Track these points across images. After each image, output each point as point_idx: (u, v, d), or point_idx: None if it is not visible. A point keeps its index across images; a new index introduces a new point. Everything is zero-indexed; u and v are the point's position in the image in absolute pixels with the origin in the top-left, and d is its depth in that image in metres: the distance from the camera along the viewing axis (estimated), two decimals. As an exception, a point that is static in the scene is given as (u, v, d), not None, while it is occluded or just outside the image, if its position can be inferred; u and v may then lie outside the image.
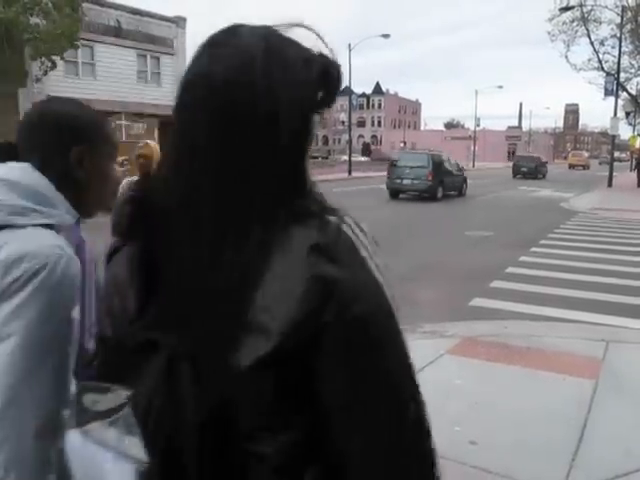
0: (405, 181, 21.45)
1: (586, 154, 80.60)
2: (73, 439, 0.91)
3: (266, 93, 0.83)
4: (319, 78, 0.86)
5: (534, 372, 4.77)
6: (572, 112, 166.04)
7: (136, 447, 0.86)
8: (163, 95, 26.23)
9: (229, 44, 0.88)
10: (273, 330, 0.80)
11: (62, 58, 20.19)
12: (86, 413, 0.92)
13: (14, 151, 1.26)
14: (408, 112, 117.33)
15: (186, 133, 0.91)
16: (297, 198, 0.90)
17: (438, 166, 21.55)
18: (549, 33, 30.96)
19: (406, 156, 23.23)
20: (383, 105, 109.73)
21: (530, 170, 38.97)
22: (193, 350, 0.84)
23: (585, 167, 62.85)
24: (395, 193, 22.10)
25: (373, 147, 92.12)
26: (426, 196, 21.12)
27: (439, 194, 21.45)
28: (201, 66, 0.90)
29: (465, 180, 24.18)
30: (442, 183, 21.63)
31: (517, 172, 40.04)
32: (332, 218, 0.89)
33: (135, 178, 5.00)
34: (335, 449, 0.86)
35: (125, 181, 5.05)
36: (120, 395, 0.88)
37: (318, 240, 0.83)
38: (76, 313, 1.05)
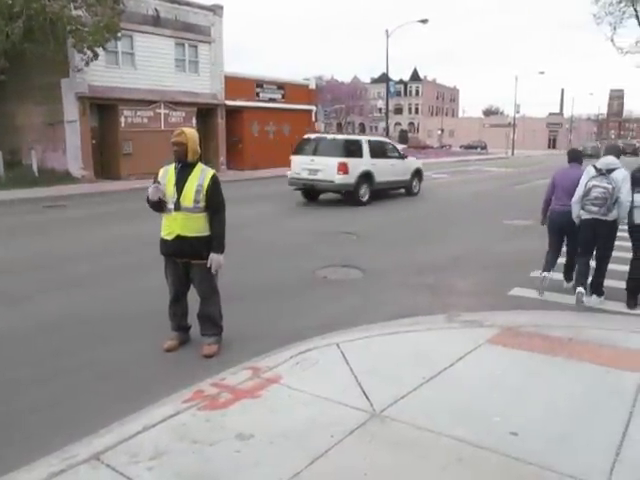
0: None
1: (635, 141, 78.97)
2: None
3: None
4: None
5: (576, 364, 4.67)
6: (617, 98, 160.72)
7: None
8: (201, 83, 26.39)
9: None
10: None
11: (104, 49, 20.47)
12: None
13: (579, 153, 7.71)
14: (446, 99, 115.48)
15: None
16: None
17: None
18: (594, 15, 29.96)
19: None
20: (420, 92, 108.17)
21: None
22: None
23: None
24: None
25: (410, 135, 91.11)
26: None
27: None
28: None
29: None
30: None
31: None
32: None
33: (172, 165, 5.06)
34: None
35: (162, 169, 5.11)
36: None
37: None
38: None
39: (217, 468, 3.22)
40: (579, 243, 6.90)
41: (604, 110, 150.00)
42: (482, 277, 8.10)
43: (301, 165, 16.32)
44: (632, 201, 6.43)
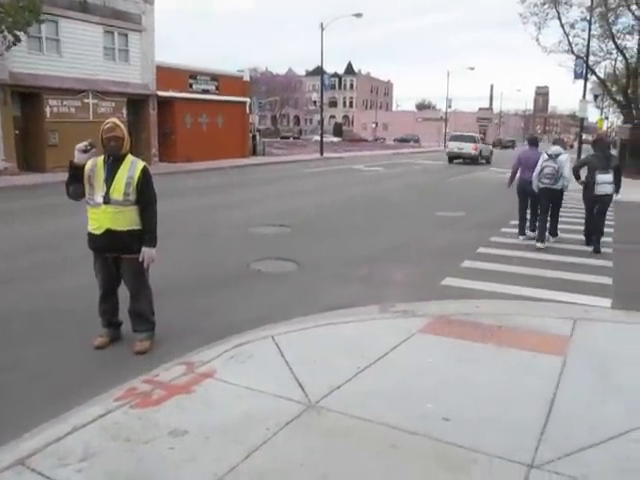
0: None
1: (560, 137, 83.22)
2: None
3: None
4: None
5: (505, 350, 4.85)
6: (542, 95, 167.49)
7: None
8: (132, 73, 25.63)
9: None
10: None
11: (26, 33, 19.50)
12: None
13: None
14: (380, 93, 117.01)
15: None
16: None
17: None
18: (521, 15, 31.06)
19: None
20: (355, 85, 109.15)
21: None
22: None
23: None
24: None
25: (345, 128, 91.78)
26: None
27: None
28: None
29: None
30: None
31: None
32: None
33: (100, 157, 4.88)
34: None
35: (90, 160, 4.91)
36: None
37: None
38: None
39: (151, 466, 3.15)
40: (540, 207, 10.03)
41: (531, 106, 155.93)
42: (415, 268, 8.27)
43: (454, 146, 35.91)
44: (595, 178, 9.51)
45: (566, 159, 9.64)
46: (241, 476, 3.05)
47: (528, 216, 10.68)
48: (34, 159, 22.01)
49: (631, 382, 4.24)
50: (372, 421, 3.60)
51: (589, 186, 9.64)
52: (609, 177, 9.50)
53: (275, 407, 3.77)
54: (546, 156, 9.73)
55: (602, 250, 9.42)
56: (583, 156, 11.69)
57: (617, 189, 9.73)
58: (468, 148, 34.84)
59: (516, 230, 11.00)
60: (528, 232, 10.59)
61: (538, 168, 9.68)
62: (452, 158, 35.77)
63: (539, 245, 9.62)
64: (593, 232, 9.73)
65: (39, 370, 4.61)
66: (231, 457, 3.20)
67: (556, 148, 9.81)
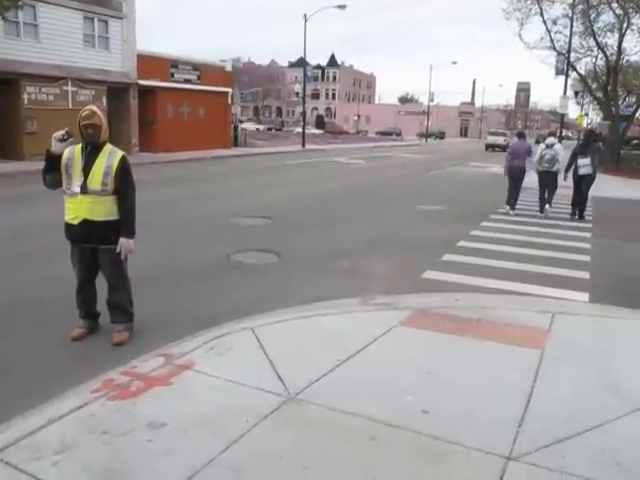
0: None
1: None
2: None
3: None
4: None
5: (484, 343, 4.87)
6: (523, 90, 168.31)
7: None
8: (112, 61, 25.26)
9: None
10: None
11: (4, 18, 19.10)
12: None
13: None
14: (363, 85, 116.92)
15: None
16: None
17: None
18: (504, 10, 31.07)
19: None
20: (338, 78, 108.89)
21: None
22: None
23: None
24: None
25: (327, 120, 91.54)
26: None
27: None
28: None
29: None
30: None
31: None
32: None
33: (78, 146, 4.78)
34: None
35: (68, 149, 4.81)
36: None
37: None
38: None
39: (128, 459, 3.11)
40: (540, 186, 12.84)
41: (512, 101, 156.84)
42: (396, 260, 8.29)
43: (492, 139, 51.38)
44: (576, 163, 12.50)
45: (560, 148, 12.59)
46: (220, 468, 3.03)
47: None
48: (11, 147, 21.62)
49: (607, 375, 4.30)
50: (352, 414, 3.59)
51: (575, 168, 12.59)
52: (587, 161, 12.39)
53: (254, 399, 3.75)
54: (544, 146, 12.56)
55: (580, 245, 9.58)
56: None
57: (593, 168, 12.47)
58: (500, 140, 49.36)
59: (497, 224, 11.12)
60: (515, 208, 13.11)
61: (537, 156, 12.56)
62: (489, 147, 49.66)
63: (544, 214, 12.57)
64: (579, 205, 12.59)
65: (14, 362, 4.53)
66: (210, 449, 3.18)
67: (551, 139, 12.83)
